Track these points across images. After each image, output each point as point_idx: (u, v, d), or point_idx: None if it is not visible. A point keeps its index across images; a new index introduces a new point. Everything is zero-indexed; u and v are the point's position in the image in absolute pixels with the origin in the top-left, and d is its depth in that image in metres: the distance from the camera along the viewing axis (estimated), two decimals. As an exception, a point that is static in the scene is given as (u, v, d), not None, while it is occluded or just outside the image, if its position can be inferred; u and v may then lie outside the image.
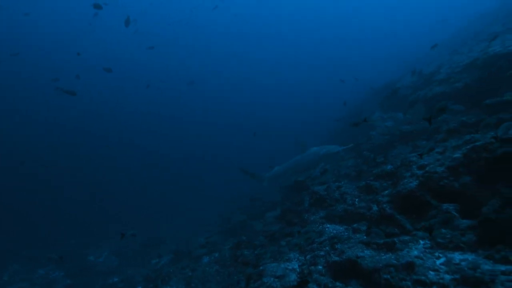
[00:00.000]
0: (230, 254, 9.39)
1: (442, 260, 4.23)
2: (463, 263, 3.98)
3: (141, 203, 21.81)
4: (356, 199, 6.79)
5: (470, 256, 4.11)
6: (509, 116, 6.27)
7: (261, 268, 5.64)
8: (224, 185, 22.70)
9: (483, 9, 21.42)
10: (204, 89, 44.65)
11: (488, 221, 4.13)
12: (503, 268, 3.62)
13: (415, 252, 4.44)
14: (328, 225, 6.49)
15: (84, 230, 17.67)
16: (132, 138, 37.03)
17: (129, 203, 21.78)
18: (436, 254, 4.35)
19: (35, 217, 19.58)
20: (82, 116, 35.95)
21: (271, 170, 11.92)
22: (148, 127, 40.02)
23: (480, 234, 4.22)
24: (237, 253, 8.56)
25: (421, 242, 4.66)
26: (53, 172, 24.85)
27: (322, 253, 5.34)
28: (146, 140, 37.32)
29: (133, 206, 20.99)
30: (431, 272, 4.00)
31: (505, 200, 4.13)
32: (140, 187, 25.85)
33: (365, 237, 5.39)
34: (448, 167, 5.11)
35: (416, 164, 5.83)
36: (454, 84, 9.22)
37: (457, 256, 4.17)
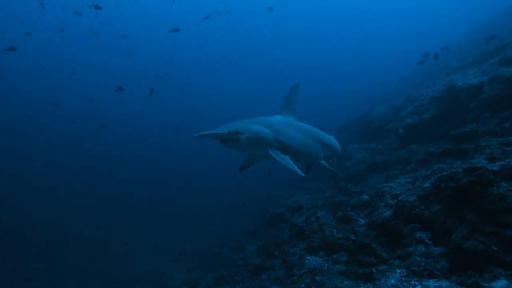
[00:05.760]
0: (211, 291, 9.17)
1: (418, 288, 4.35)
2: (437, 290, 4.11)
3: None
4: (335, 230, 6.90)
5: (444, 283, 4.24)
6: (473, 145, 6.71)
7: (242, 304, 5.57)
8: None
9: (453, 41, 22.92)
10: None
11: (458, 247, 4.31)
12: (474, 293, 3.78)
13: (392, 281, 4.54)
14: (308, 257, 6.53)
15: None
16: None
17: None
18: (412, 282, 4.46)
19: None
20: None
21: None
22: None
23: (452, 260, 4.38)
24: (217, 289, 8.39)
25: (398, 270, 4.78)
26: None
27: (302, 285, 5.36)
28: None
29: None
30: (408, 301, 4.10)
31: (473, 227, 4.36)
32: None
33: (344, 267, 5.46)
34: (419, 196, 5.35)
35: (390, 194, 6.07)
36: (422, 116, 9.77)
37: (432, 284, 4.30)
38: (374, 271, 4.86)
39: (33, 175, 30.35)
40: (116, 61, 40.95)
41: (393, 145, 11.04)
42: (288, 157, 4.61)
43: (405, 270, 4.72)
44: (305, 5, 50.77)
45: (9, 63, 34.98)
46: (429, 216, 5.11)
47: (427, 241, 4.91)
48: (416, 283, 4.44)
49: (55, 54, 40.72)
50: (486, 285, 3.78)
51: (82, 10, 26.97)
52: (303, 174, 4.53)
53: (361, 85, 37.15)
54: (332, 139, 6.54)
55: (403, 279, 4.58)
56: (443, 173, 5.07)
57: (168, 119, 41.92)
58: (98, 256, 16.32)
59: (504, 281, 3.73)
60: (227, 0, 31.61)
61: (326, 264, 5.98)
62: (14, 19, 27.13)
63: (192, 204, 23.31)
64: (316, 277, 5.42)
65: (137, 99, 39.10)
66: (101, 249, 16.92)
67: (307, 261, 6.33)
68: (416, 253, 4.83)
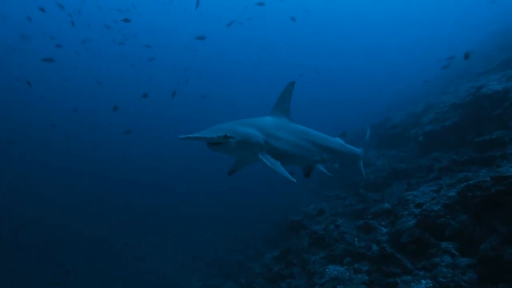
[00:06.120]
0: (229, 299, 9.16)
1: (445, 300, 4.23)
2: (466, 303, 3.99)
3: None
4: (356, 239, 6.80)
5: (472, 296, 4.13)
6: (499, 153, 6.52)
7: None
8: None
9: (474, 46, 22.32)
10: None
11: (488, 259, 4.18)
12: (506, 307, 3.65)
13: (418, 292, 4.43)
14: (329, 266, 6.45)
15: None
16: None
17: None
18: (439, 294, 4.35)
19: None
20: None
21: None
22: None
23: (481, 272, 4.26)
24: (236, 297, 8.37)
25: (423, 281, 4.66)
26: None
27: (324, 295, 5.29)
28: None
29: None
30: (435, 313, 3.99)
31: (503, 238, 4.22)
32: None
33: (366, 277, 5.37)
34: (444, 205, 5.23)
35: (413, 203, 5.94)
36: (443, 122, 9.57)
37: (459, 296, 4.18)
38: (399, 281, 4.76)
39: (32, 176, 30.94)
40: (138, 70, 41.92)
41: (413, 153, 10.84)
42: (279, 162, 4.29)
43: (431, 281, 4.60)
44: (325, 11, 50.71)
45: (41, 74, 36.35)
46: (455, 226, 4.98)
47: (453, 251, 4.78)
48: (443, 295, 4.32)
49: (81, 66, 42.09)
50: (518, 298, 3.65)
51: (107, 23, 28.17)
52: (294, 180, 4.17)
53: (380, 90, 36.73)
54: (335, 141, 5.89)
55: (429, 290, 4.47)
56: (470, 182, 4.95)
57: (184, 124, 42.43)
58: (99, 256, 15.90)
59: (537, 295, 3.60)
60: (247, 9, 32.03)
61: (348, 273, 5.89)
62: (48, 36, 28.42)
63: (206, 208, 23.08)
64: (338, 286, 5.34)
65: (158, 105, 39.95)
66: (103, 249, 16.54)
67: (328, 270, 6.25)
68: (442, 263, 4.70)
